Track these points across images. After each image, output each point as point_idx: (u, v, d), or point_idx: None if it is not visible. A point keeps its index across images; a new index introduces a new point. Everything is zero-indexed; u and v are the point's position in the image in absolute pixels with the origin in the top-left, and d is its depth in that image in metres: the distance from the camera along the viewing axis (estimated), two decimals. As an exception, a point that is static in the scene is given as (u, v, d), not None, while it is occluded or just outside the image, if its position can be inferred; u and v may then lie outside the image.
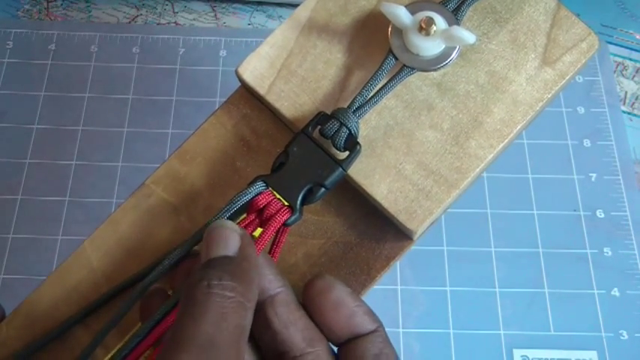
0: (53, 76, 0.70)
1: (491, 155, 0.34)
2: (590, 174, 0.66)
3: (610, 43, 0.73)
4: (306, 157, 0.34)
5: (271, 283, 0.33)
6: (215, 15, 0.75)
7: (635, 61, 0.72)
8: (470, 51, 0.36)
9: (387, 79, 0.35)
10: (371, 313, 0.33)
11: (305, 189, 0.34)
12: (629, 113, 0.69)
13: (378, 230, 0.36)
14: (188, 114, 0.68)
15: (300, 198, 0.33)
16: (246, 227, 0.33)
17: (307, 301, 0.33)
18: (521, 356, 0.59)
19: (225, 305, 0.29)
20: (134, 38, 0.72)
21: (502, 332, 0.59)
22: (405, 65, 0.35)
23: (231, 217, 0.33)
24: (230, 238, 0.31)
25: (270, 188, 0.34)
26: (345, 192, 0.36)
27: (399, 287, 0.61)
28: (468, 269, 0.62)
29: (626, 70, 0.72)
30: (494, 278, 0.61)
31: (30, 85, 0.69)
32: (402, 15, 0.35)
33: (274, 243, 0.34)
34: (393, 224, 0.35)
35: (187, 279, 0.30)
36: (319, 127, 0.35)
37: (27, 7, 0.75)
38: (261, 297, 0.32)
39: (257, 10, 0.75)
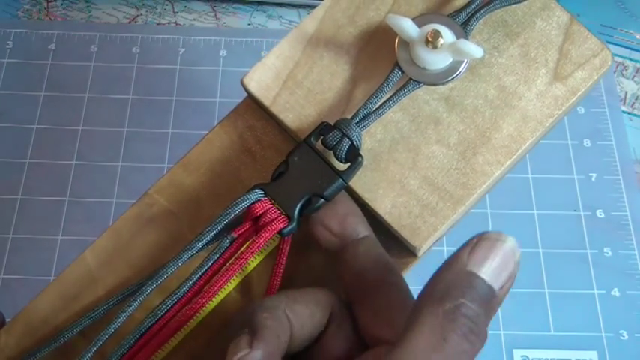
0: (53, 76, 0.70)
1: (499, 172, 0.34)
2: (590, 174, 0.66)
3: (610, 43, 0.73)
4: (306, 167, 0.33)
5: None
6: (215, 15, 0.74)
7: (635, 61, 0.72)
8: (479, 65, 0.36)
9: (393, 92, 0.34)
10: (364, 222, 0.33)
11: (303, 199, 0.33)
12: (629, 113, 0.69)
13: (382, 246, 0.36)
14: (188, 114, 0.67)
15: (297, 208, 0.33)
16: (240, 235, 0.33)
17: None
18: (521, 356, 0.59)
19: (464, 349, 0.23)
20: (134, 38, 0.72)
21: (502, 332, 0.59)
22: (411, 78, 0.35)
23: (229, 225, 0.33)
24: (513, 268, 0.25)
25: (268, 197, 0.33)
26: (349, 206, 0.36)
27: (399, 287, 0.61)
28: (468, 269, 0.62)
29: (626, 70, 0.72)
30: (494, 278, 0.61)
31: (30, 85, 0.69)
32: (408, 27, 0.34)
33: (279, 253, 0.34)
34: (398, 240, 0.35)
35: (438, 278, 0.25)
36: (322, 137, 0.34)
37: (27, 7, 0.74)
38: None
39: (257, 10, 0.75)
